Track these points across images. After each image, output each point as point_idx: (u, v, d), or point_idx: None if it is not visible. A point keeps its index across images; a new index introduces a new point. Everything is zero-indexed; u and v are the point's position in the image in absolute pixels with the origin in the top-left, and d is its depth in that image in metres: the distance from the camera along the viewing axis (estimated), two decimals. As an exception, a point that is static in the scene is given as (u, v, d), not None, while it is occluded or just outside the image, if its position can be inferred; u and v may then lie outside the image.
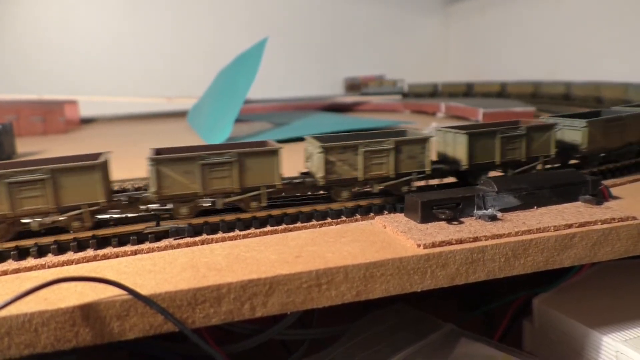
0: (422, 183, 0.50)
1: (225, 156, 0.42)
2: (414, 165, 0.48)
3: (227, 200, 0.43)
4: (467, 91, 1.78)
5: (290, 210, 0.45)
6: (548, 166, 0.57)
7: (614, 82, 1.24)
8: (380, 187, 0.47)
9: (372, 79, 2.02)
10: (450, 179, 0.55)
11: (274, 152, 0.43)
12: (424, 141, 0.48)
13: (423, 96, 1.84)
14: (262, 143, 0.46)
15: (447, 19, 2.32)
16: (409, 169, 0.48)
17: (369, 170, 0.46)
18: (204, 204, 0.43)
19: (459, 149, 0.50)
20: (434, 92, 1.86)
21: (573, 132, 0.56)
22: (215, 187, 0.42)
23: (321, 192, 0.48)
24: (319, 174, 0.45)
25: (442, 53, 2.33)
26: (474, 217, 0.44)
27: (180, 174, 0.41)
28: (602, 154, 0.59)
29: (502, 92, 1.66)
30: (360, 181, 0.46)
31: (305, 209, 0.45)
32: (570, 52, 1.60)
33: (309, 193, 0.48)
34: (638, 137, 0.62)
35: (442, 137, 0.53)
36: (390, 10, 2.25)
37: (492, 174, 0.52)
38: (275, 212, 0.45)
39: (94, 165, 0.39)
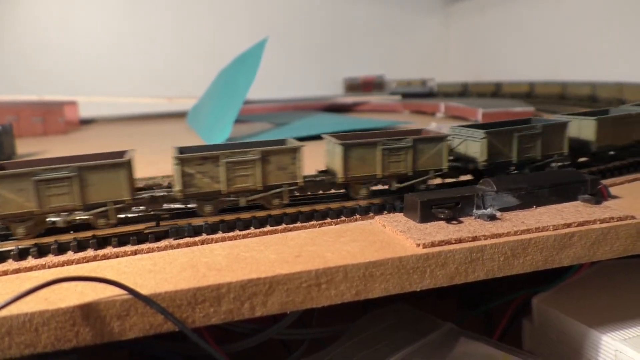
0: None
1: (63, 171, 0.39)
2: (285, 177, 0.45)
3: (70, 218, 0.40)
4: (496, 91, 1.75)
5: (290, 210, 0.45)
6: (451, 180, 0.53)
7: (637, 83, 1.21)
8: (249, 200, 0.44)
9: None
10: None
11: (121, 165, 0.40)
12: (293, 151, 0.44)
13: (452, 95, 1.82)
14: (117, 154, 0.43)
15: (447, 19, 2.32)
16: (279, 180, 0.45)
17: (233, 183, 0.43)
18: (48, 222, 0.40)
19: (336, 160, 0.47)
20: (463, 91, 1.84)
21: (474, 143, 0.52)
22: (53, 205, 0.39)
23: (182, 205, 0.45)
24: (177, 187, 0.42)
25: (442, 53, 2.33)
26: (473, 217, 0.44)
27: (13, 192, 0.38)
28: (510, 167, 0.53)
29: (530, 92, 1.62)
30: (224, 194, 0.43)
31: (305, 208, 0.46)
32: (571, 52, 1.60)
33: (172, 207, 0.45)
34: (560, 149, 0.55)
35: (327, 146, 0.49)
36: (390, 10, 2.25)
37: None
38: (275, 212, 0.45)
39: None
